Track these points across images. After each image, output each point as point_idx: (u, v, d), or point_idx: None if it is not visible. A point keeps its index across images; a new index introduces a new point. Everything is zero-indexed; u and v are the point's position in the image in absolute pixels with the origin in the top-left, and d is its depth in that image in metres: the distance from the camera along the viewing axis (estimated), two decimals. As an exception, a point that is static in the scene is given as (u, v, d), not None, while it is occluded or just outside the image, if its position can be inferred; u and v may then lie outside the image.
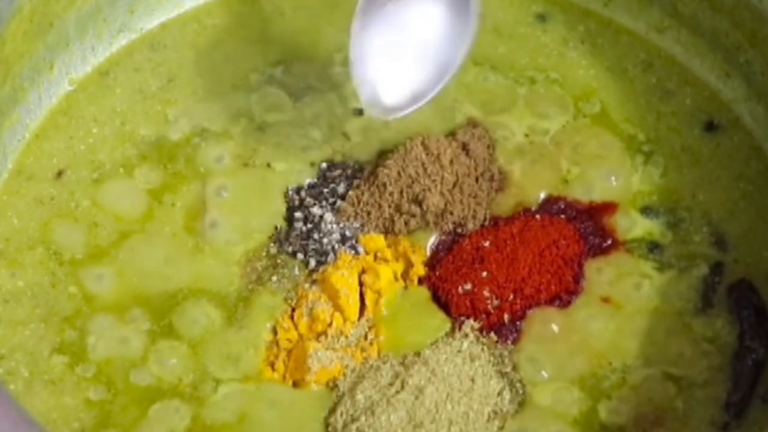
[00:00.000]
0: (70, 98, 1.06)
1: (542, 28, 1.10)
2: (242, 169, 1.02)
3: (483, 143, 1.02)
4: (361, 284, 0.96)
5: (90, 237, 0.99)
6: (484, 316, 0.95)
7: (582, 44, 1.09)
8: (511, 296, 0.95)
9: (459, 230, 0.99)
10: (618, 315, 0.95)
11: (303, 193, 1.01)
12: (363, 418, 0.89)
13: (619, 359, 0.94)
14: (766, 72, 1.02)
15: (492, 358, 0.93)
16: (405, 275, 0.97)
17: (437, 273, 0.97)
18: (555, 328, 0.95)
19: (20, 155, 1.03)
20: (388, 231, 0.99)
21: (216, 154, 1.03)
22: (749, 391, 0.92)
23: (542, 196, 1.01)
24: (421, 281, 0.97)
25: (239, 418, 0.92)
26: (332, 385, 0.92)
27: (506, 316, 0.95)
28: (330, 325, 0.94)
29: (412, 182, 0.99)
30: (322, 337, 0.94)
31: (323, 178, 1.02)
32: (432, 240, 0.99)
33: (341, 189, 1.01)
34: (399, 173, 0.99)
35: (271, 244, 0.99)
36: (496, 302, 0.95)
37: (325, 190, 1.01)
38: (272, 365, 0.94)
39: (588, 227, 0.99)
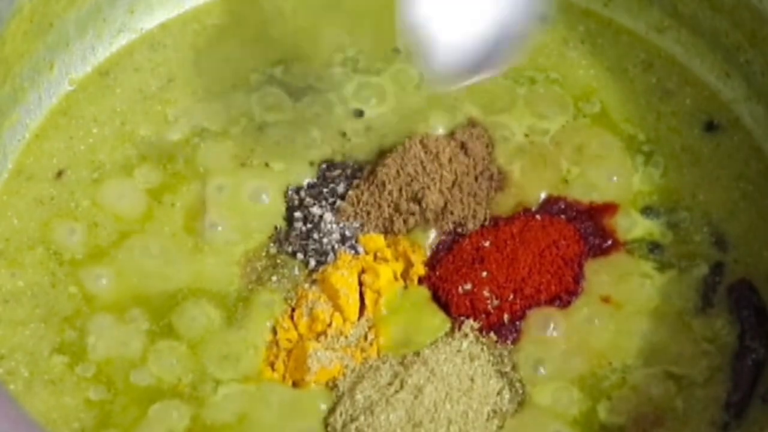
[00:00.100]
0: (70, 98, 1.06)
1: (542, 28, 1.10)
2: (242, 169, 1.02)
3: (482, 143, 1.02)
4: (360, 284, 0.96)
5: (90, 237, 0.99)
6: (483, 316, 0.95)
7: (582, 44, 1.09)
8: (511, 296, 0.95)
9: (459, 230, 0.99)
10: (618, 315, 0.95)
11: (303, 193, 1.01)
12: (362, 418, 0.89)
13: (619, 359, 0.94)
14: (766, 72, 1.02)
15: (491, 358, 0.93)
16: (405, 275, 0.97)
17: (437, 273, 0.97)
18: (555, 328, 0.95)
19: (20, 155, 1.03)
20: (387, 231, 0.99)
21: (215, 154, 1.03)
22: (749, 391, 0.92)
23: (542, 196, 1.01)
24: (421, 281, 0.97)
25: (239, 418, 0.92)
26: (332, 385, 0.92)
27: (506, 316, 0.95)
28: (330, 325, 0.94)
29: (411, 181, 0.99)
30: (322, 337, 0.94)
31: (323, 178, 1.02)
32: (432, 239, 0.99)
33: (341, 189, 1.01)
34: (398, 172, 0.99)
35: (271, 244, 0.99)
36: (496, 302, 0.95)
37: (325, 190, 1.01)
38: (272, 365, 0.94)
39: (588, 227, 0.99)
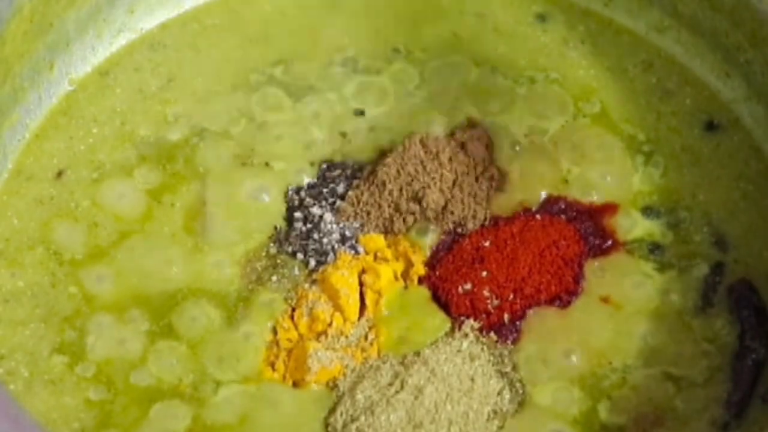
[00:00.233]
0: (70, 98, 1.06)
1: (542, 28, 1.10)
2: (242, 169, 1.02)
3: (482, 143, 1.02)
4: (361, 284, 0.96)
5: (90, 237, 0.99)
6: (484, 315, 0.95)
7: (582, 44, 1.10)
8: (511, 296, 0.95)
9: (459, 230, 0.99)
10: (618, 315, 0.95)
11: (303, 193, 1.01)
12: (363, 418, 0.89)
13: (619, 359, 0.94)
14: (766, 72, 1.02)
15: (492, 358, 0.93)
16: (405, 275, 0.97)
17: (437, 273, 0.97)
18: (555, 327, 0.94)
19: (20, 155, 1.03)
20: (387, 231, 0.99)
21: (215, 154, 1.03)
22: (749, 390, 0.92)
23: (542, 196, 1.01)
24: (421, 281, 0.97)
25: (239, 419, 0.92)
26: (332, 385, 0.92)
27: (506, 316, 0.95)
28: (330, 325, 0.94)
29: (412, 180, 0.99)
30: (322, 337, 0.94)
31: (323, 178, 1.02)
32: (432, 239, 0.99)
33: (341, 189, 1.01)
34: (398, 172, 1.00)
35: (271, 244, 0.99)
36: (496, 302, 0.95)
37: (325, 190, 1.01)
38: (272, 365, 0.94)
39: (588, 227, 0.99)
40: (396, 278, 0.97)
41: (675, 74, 1.08)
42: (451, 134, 1.03)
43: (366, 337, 0.94)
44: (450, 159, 1.00)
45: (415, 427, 0.89)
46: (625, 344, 0.94)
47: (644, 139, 1.04)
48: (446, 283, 0.96)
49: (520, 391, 0.92)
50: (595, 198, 1.01)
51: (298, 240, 0.98)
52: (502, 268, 0.96)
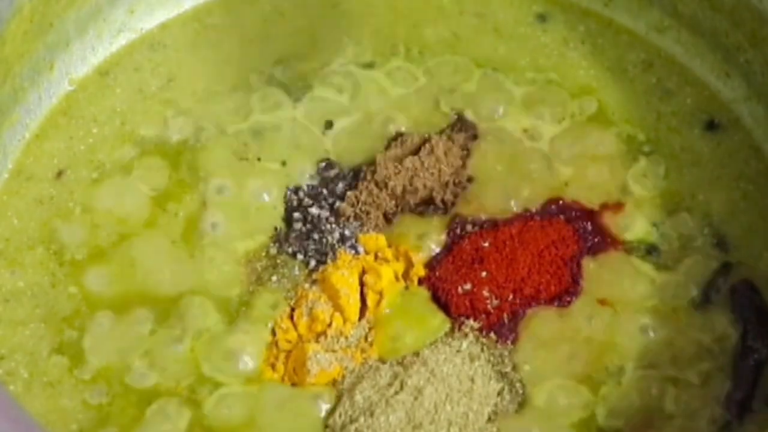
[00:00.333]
0: (70, 98, 1.07)
1: (542, 28, 1.10)
2: (242, 170, 1.02)
3: (469, 135, 1.03)
4: (361, 284, 0.96)
5: (90, 237, 0.99)
6: (483, 316, 0.95)
7: (582, 44, 1.09)
8: (511, 296, 0.95)
9: (459, 230, 0.99)
10: (617, 315, 0.95)
11: (301, 194, 1.01)
12: (362, 419, 0.89)
13: (618, 359, 0.93)
14: (766, 72, 1.02)
15: (491, 358, 0.93)
16: (405, 275, 0.97)
17: (437, 273, 0.97)
18: (554, 328, 0.94)
19: (20, 155, 1.03)
20: (387, 229, 0.99)
21: (216, 154, 1.03)
22: (751, 390, 0.92)
23: (542, 197, 1.00)
24: (421, 281, 0.97)
25: (239, 419, 0.91)
26: (331, 386, 0.92)
27: (506, 316, 0.95)
28: (330, 325, 0.94)
29: (412, 177, 0.99)
30: (322, 338, 0.94)
31: (322, 178, 1.02)
32: (431, 238, 0.99)
33: (340, 189, 1.01)
34: (397, 170, 1.00)
35: (271, 245, 0.98)
36: (495, 302, 0.95)
37: (324, 191, 1.01)
38: (273, 366, 0.93)
39: (587, 228, 0.99)
40: (396, 278, 0.97)
41: (675, 74, 1.08)
42: (450, 131, 1.03)
43: (366, 338, 0.94)
44: (446, 154, 1.01)
45: (414, 427, 0.89)
46: (625, 344, 0.94)
47: (644, 139, 1.04)
48: (446, 284, 0.96)
49: (520, 392, 0.92)
50: (594, 198, 1.01)
51: (297, 240, 0.98)
52: (501, 268, 0.96)
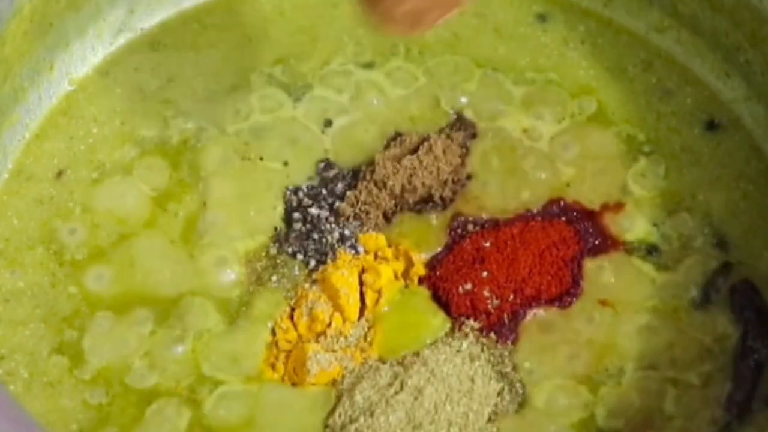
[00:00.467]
0: (70, 98, 1.06)
1: (542, 28, 1.10)
2: (242, 169, 1.02)
3: (468, 134, 1.03)
4: (361, 284, 0.96)
5: (90, 237, 0.99)
6: (484, 316, 0.95)
7: (582, 44, 1.09)
8: (511, 296, 0.95)
9: (460, 231, 0.99)
10: (617, 316, 0.95)
11: (301, 194, 1.01)
12: (362, 419, 0.89)
13: (618, 360, 0.94)
14: (766, 72, 1.02)
15: (492, 359, 0.93)
16: (405, 275, 0.97)
17: (437, 273, 0.97)
18: (554, 328, 0.94)
19: (20, 155, 1.03)
20: (386, 225, 0.99)
21: (216, 154, 1.03)
22: (751, 391, 0.92)
23: (542, 197, 1.00)
24: (421, 281, 0.97)
25: (239, 419, 0.92)
26: (331, 386, 0.92)
27: (506, 317, 0.95)
28: (329, 325, 0.94)
29: (411, 176, 0.99)
30: (322, 338, 0.94)
31: (321, 178, 1.02)
32: (432, 238, 0.99)
33: (339, 189, 1.01)
34: (396, 169, 1.00)
35: (271, 245, 0.98)
36: (496, 302, 0.95)
37: (324, 191, 1.01)
38: (273, 366, 0.93)
39: (588, 228, 0.99)
40: (396, 278, 0.97)
41: (675, 74, 1.08)
42: (449, 130, 1.03)
43: (365, 338, 0.94)
44: (444, 153, 1.01)
45: (414, 428, 0.89)
46: (625, 345, 0.94)
47: (644, 139, 1.04)
48: (446, 283, 0.96)
49: (520, 392, 0.92)
50: (595, 199, 1.01)
51: (297, 240, 0.98)
52: (502, 268, 0.96)
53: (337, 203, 1.00)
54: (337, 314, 0.95)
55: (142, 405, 0.91)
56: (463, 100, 1.06)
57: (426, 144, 1.01)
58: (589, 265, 0.97)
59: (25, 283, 0.97)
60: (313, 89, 1.07)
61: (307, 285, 0.96)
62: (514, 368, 0.93)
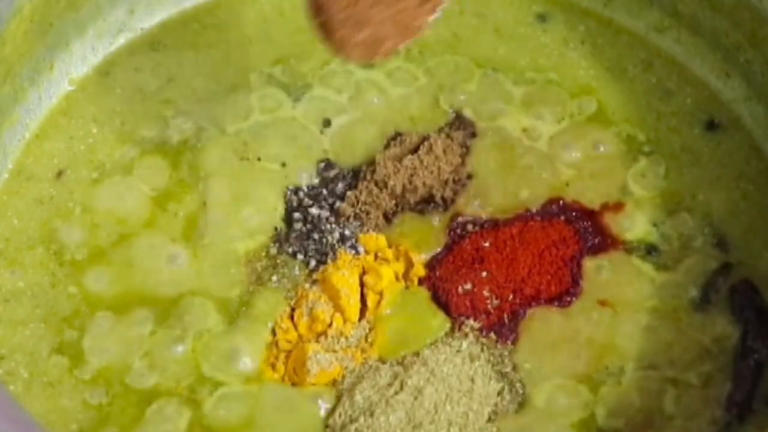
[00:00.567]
0: (70, 98, 1.06)
1: (542, 28, 1.10)
2: (242, 170, 1.02)
3: (468, 133, 1.03)
4: (362, 285, 0.96)
5: (90, 237, 0.99)
6: (483, 316, 0.95)
7: (582, 44, 1.09)
8: (511, 296, 0.95)
9: (459, 230, 0.99)
10: (617, 316, 0.95)
11: (301, 194, 1.01)
12: (362, 419, 0.89)
13: (618, 360, 0.93)
14: (766, 72, 1.02)
15: (492, 358, 0.93)
16: (405, 275, 0.97)
17: (437, 273, 0.97)
18: (554, 328, 0.95)
19: (20, 155, 1.03)
20: (386, 226, 0.99)
21: (216, 154, 1.03)
22: (751, 391, 0.92)
23: (542, 197, 1.00)
24: (421, 281, 0.97)
25: (239, 419, 0.91)
26: (332, 386, 0.92)
27: (506, 316, 0.95)
28: (330, 325, 0.94)
29: (411, 176, 0.99)
30: (322, 338, 0.94)
31: (322, 178, 1.02)
32: (432, 238, 0.99)
33: (339, 189, 1.01)
34: (396, 169, 1.00)
35: (271, 245, 0.98)
36: (495, 302, 0.95)
37: (324, 191, 1.01)
38: (272, 366, 0.93)
39: (587, 228, 0.99)
40: (397, 278, 0.97)
41: (675, 74, 1.08)
42: (448, 130, 1.03)
43: (366, 338, 0.94)
44: (444, 152, 1.01)
45: (414, 427, 0.89)
46: (625, 345, 0.94)
47: (644, 139, 1.04)
48: (446, 284, 0.96)
49: (520, 392, 0.92)
50: (595, 198, 1.01)
51: (298, 240, 0.98)
52: (502, 268, 0.96)
53: (338, 203, 1.00)
54: (337, 314, 0.95)
55: (142, 405, 0.91)
56: (463, 99, 1.06)
57: (426, 144, 1.01)
58: (589, 264, 0.97)
59: (25, 283, 0.97)
60: (313, 89, 1.07)
61: (307, 285, 0.96)
62: (514, 368, 0.93)
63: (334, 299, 0.95)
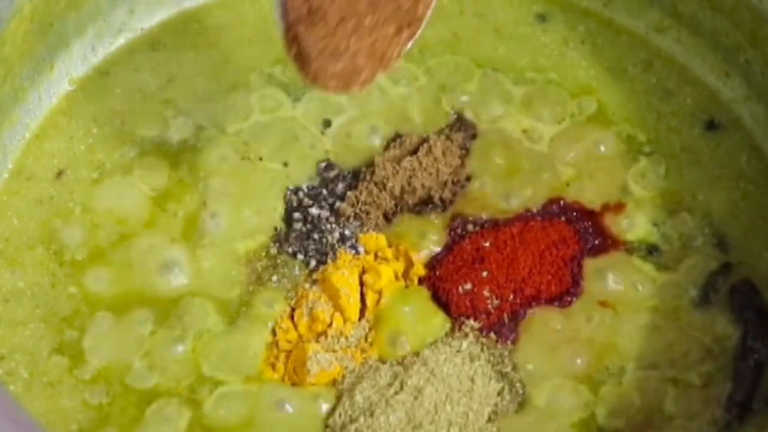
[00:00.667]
0: (70, 98, 1.06)
1: (542, 28, 1.10)
2: (242, 169, 1.02)
3: (468, 135, 1.03)
4: (361, 284, 0.96)
5: (90, 237, 0.99)
6: (484, 316, 0.95)
7: (582, 44, 1.09)
8: (511, 296, 0.95)
9: (459, 230, 0.99)
10: (617, 316, 0.95)
11: (301, 194, 1.01)
12: (362, 419, 0.89)
13: (618, 360, 0.94)
14: (766, 72, 1.02)
15: (492, 358, 0.93)
16: (405, 275, 0.97)
17: (437, 273, 0.97)
18: (554, 328, 0.94)
19: (20, 155, 1.03)
20: (387, 229, 0.99)
21: (216, 154, 1.03)
22: (751, 391, 0.92)
23: (542, 197, 1.00)
24: (421, 281, 0.97)
25: (239, 419, 0.91)
26: (332, 386, 0.92)
27: (506, 316, 0.95)
28: (330, 325, 0.94)
29: (410, 177, 0.99)
30: (322, 338, 0.94)
31: (321, 178, 1.02)
32: (432, 238, 0.99)
33: (339, 189, 1.01)
34: (396, 170, 1.00)
35: (271, 245, 0.98)
36: (496, 302, 0.95)
37: (324, 191, 1.01)
38: (272, 366, 0.93)
39: (588, 228, 0.99)
40: (396, 278, 0.97)
41: (675, 74, 1.08)
42: (448, 131, 1.03)
43: (366, 338, 0.94)
44: (444, 154, 1.01)
45: (414, 428, 0.89)
46: (625, 345, 0.94)
47: (644, 140, 1.04)
48: (446, 283, 0.96)
49: (520, 392, 0.92)
50: (595, 199, 1.01)
51: (298, 240, 0.98)
52: (502, 268, 0.96)
53: (338, 203, 1.00)
54: (337, 314, 0.95)
55: (142, 405, 0.91)
56: (464, 99, 1.06)
57: (426, 145, 1.01)
58: (589, 264, 0.97)
59: (25, 283, 0.97)
60: (313, 89, 1.07)
61: (307, 285, 0.96)
62: (514, 368, 0.93)
63: (334, 299, 0.95)
